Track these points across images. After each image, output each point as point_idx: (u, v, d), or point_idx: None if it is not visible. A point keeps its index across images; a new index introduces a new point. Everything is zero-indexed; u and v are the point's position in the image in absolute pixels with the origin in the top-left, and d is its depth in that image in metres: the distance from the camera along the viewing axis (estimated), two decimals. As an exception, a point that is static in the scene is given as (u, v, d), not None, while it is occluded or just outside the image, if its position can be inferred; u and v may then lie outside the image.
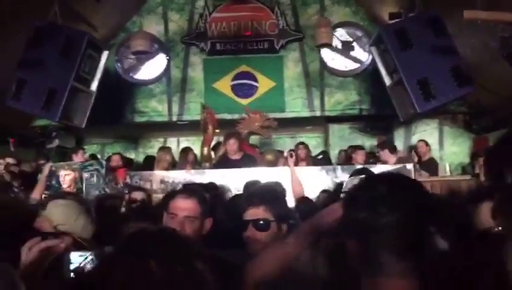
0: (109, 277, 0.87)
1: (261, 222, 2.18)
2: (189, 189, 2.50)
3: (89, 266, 1.36)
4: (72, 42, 6.34)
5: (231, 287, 1.38)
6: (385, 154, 6.62)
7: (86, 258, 1.37)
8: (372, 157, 7.48)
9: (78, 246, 2.05)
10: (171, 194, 2.37)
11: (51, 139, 8.95)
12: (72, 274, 1.37)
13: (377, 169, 5.60)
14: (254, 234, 2.23)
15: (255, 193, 2.49)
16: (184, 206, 2.23)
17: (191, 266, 0.93)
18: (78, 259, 1.37)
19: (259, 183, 4.28)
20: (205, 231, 2.27)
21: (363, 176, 1.50)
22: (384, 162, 6.51)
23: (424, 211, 1.10)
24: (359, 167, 5.72)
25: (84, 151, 7.16)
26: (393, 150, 6.81)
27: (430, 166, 7.30)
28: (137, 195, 4.46)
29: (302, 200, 4.14)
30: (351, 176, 3.31)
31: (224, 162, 6.20)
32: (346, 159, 7.75)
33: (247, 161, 6.14)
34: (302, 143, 7.46)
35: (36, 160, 7.38)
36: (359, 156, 6.98)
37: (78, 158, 6.59)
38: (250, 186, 4.29)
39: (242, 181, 4.73)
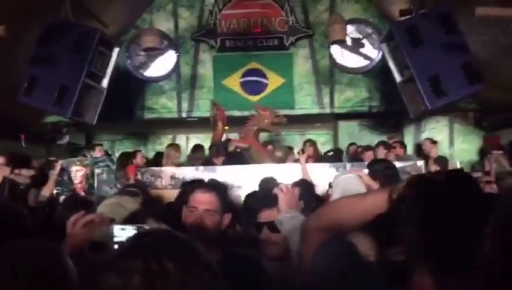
0: (128, 279, 0.82)
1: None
2: (209, 183, 2.50)
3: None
4: (84, 39, 6.36)
5: (250, 279, 1.38)
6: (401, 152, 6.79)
7: (128, 231, 1.39)
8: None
9: None
10: (190, 188, 2.38)
11: (62, 135, 9.02)
12: (116, 246, 1.39)
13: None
14: (269, 236, 2.24)
15: (268, 195, 2.47)
16: (203, 199, 2.22)
17: (204, 265, 0.93)
18: (120, 232, 1.39)
19: (274, 182, 4.26)
20: (224, 226, 2.27)
21: None
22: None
23: None
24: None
25: (101, 148, 7.26)
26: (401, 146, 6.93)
27: (439, 164, 7.26)
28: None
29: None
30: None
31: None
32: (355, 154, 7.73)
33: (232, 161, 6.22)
34: (310, 140, 7.47)
35: (47, 157, 7.46)
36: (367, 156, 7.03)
37: (96, 154, 6.68)
38: (265, 185, 4.28)
39: (253, 177, 4.74)
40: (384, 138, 9.24)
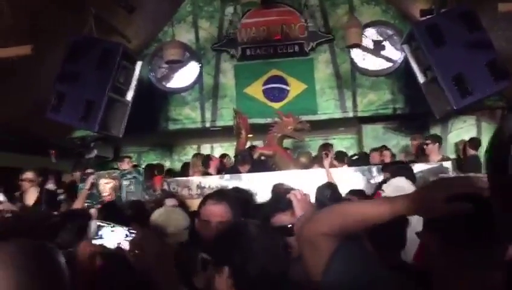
0: None
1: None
2: (219, 193, 2.45)
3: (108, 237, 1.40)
4: (108, 54, 6.50)
5: None
6: (434, 148, 6.69)
7: (117, 233, 1.41)
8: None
9: None
10: (202, 200, 2.36)
11: (90, 149, 9.21)
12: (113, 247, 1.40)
13: (416, 167, 5.53)
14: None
15: (281, 198, 2.41)
16: (215, 211, 2.20)
17: None
18: (110, 234, 1.41)
19: (284, 187, 4.26)
20: None
21: None
22: (427, 156, 6.54)
23: None
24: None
25: (130, 160, 7.38)
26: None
27: (472, 163, 7.20)
28: (170, 202, 4.54)
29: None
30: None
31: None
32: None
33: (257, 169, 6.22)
34: (327, 144, 7.50)
35: (75, 170, 7.59)
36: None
37: (125, 166, 6.81)
38: (276, 190, 4.28)
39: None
40: (409, 140, 9.15)
